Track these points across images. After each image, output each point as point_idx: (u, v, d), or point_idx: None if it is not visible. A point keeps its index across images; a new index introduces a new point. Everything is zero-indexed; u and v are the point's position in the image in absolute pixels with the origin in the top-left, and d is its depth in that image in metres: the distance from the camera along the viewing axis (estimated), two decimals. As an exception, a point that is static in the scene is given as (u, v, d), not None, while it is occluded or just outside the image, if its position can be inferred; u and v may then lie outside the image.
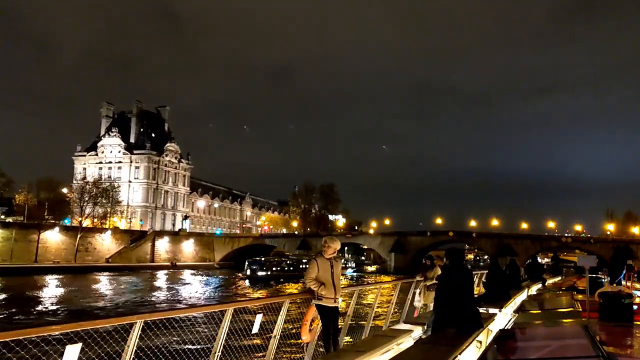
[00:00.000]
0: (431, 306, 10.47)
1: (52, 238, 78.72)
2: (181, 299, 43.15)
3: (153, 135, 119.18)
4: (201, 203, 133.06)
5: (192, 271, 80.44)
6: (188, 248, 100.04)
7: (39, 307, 35.19)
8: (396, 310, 11.89)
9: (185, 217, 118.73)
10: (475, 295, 11.41)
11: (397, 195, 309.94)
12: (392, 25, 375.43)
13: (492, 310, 10.80)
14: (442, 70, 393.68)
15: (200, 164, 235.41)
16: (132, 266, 79.85)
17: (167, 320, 5.89)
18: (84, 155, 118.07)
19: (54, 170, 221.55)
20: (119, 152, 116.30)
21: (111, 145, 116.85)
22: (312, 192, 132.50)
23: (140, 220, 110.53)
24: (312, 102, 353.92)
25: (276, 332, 6.91)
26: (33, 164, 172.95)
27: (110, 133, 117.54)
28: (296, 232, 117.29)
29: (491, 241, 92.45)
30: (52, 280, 56.17)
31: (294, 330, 7.98)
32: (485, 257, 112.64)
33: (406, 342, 8.70)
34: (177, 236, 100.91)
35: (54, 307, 35.25)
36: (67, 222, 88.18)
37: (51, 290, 46.89)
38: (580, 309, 9.84)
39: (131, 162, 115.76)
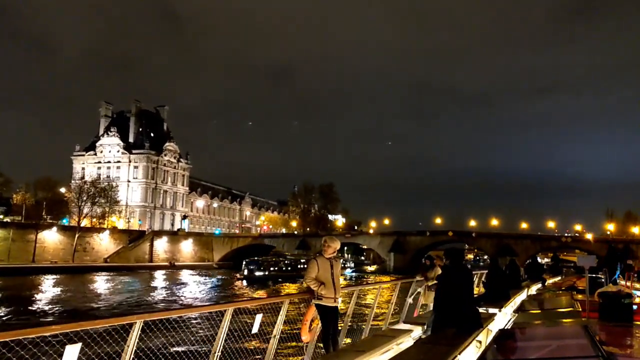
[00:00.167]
0: (431, 306, 10.47)
1: (50, 238, 78.52)
2: (177, 299, 43.01)
3: (152, 135, 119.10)
4: (200, 203, 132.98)
5: (191, 271, 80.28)
6: (187, 248, 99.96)
7: (35, 308, 35.07)
8: (396, 310, 11.88)
9: (184, 217, 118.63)
10: (475, 295, 11.41)
11: (397, 195, 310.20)
12: (392, 25, 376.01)
13: (491, 310, 10.80)
14: (442, 70, 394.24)
15: (200, 164, 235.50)
16: (130, 266, 79.68)
17: (167, 320, 5.88)
18: (83, 155, 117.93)
19: (53, 170, 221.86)
20: (118, 151, 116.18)
21: (110, 145, 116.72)
22: (311, 192, 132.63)
23: (139, 220, 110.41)
24: (312, 102, 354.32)
25: (276, 332, 6.90)
26: (32, 163, 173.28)
27: (109, 133, 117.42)
28: (295, 232, 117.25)
29: (491, 241, 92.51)
30: (49, 281, 56.03)
31: (293, 331, 7.97)
32: (485, 257, 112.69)
33: (406, 342, 8.70)
34: (175, 236, 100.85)
35: (49, 308, 35.09)
36: (65, 222, 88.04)
37: (48, 291, 46.71)
38: (580, 309, 9.85)
39: (130, 161, 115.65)
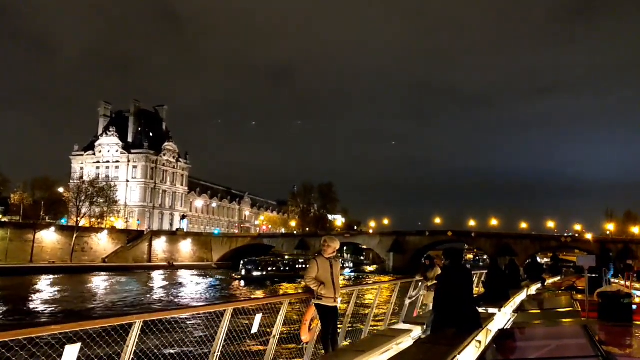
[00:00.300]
0: (431, 306, 10.47)
1: (48, 238, 78.39)
2: (173, 300, 42.72)
3: (151, 134, 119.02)
4: (199, 203, 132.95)
5: (189, 271, 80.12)
6: (185, 248, 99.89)
7: (32, 308, 34.97)
8: (396, 310, 11.89)
9: (183, 217, 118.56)
10: (475, 295, 11.41)
11: (396, 195, 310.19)
12: (392, 25, 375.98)
13: (491, 310, 10.81)
14: (442, 70, 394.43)
15: (199, 163, 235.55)
16: (128, 266, 79.59)
17: (166, 320, 5.88)
18: (82, 155, 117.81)
19: (52, 170, 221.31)
20: (117, 151, 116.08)
21: (109, 144, 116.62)
22: (310, 191, 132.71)
23: (138, 220, 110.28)
24: (312, 102, 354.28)
25: (275, 332, 6.90)
26: (31, 163, 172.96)
27: (108, 132, 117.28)
28: (295, 232, 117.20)
29: (490, 241, 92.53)
30: (46, 281, 55.90)
31: (293, 331, 7.97)
32: (485, 257, 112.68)
33: (405, 342, 8.70)
34: (174, 236, 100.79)
35: (46, 308, 34.99)
36: (64, 222, 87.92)
37: (45, 291, 46.59)
38: (580, 309, 9.85)
39: (129, 161, 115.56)
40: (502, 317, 10.86)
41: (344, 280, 68.62)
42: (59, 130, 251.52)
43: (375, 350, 7.60)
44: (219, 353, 5.89)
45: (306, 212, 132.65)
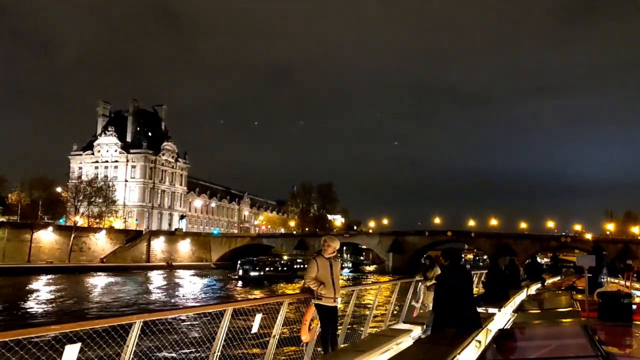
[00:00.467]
0: (430, 306, 10.47)
1: (46, 238, 78.08)
2: (167, 301, 42.38)
3: (150, 134, 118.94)
4: (198, 203, 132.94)
5: (188, 271, 79.89)
6: (184, 248, 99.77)
7: (27, 308, 34.71)
8: (396, 310, 11.89)
9: (182, 217, 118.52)
10: (475, 295, 11.41)
11: (396, 195, 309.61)
12: (392, 25, 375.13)
13: (491, 310, 10.80)
14: (442, 70, 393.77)
15: (199, 163, 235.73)
16: (126, 266, 79.25)
17: (166, 320, 5.88)
18: (80, 155, 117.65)
19: (51, 169, 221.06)
20: (115, 151, 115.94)
21: (107, 144, 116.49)
22: (310, 191, 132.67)
23: (136, 220, 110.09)
24: (312, 102, 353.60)
25: (275, 332, 6.90)
26: (30, 163, 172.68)
27: (107, 132, 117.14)
28: (294, 232, 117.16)
29: (490, 241, 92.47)
30: (43, 281, 55.67)
31: (293, 331, 7.97)
32: (485, 257, 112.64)
33: (405, 342, 8.70)
34: (173, 236, 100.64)
35: (41, 308, 34.83)
36: (62, 221, 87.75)
37: (41, 291, 46.36)
38: (580, 309, 9.86)
39: (127, 161, 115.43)
40: (502, 317, 10.86)
41: (342, 280, 68.38)
42: (58, 130, 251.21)
43: (375, 350, 7.60)
44: (219, 353, 5.89)
45: (306, 212, 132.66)
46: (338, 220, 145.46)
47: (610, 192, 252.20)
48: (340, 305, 8.17)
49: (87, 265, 77.57)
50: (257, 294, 47.66)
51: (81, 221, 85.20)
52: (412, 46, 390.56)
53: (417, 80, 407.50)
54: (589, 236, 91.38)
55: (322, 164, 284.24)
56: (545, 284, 24.28)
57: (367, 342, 8.32)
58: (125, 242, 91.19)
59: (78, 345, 4.14)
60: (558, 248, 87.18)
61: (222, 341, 5.92)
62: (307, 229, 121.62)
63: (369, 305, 11.28)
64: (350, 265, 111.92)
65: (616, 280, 16.19)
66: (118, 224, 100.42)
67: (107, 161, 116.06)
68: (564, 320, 9.16)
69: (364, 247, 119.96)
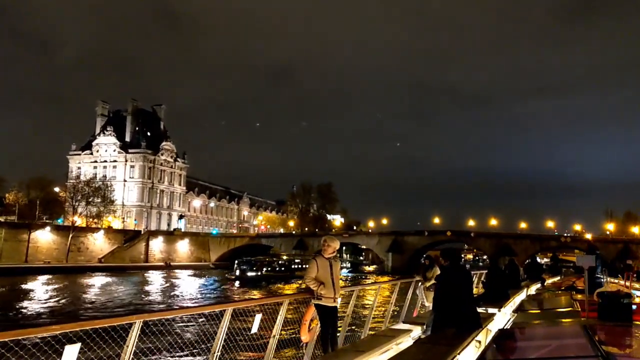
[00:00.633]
0: (430, 306, 10.47)
1: (43, 238, 77.83)
2: (161, 301, 42.17)
3: (148, 134, 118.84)
4: (197, 202, 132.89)
5: (186, 271, 79.64)
6: (183, 248, 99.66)
7: (22, 309, 34.40)
8: (396, 310, 11.89)
9: (181, 217, 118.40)
10: (475, 295, 11.41)
11: (396, 195, 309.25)
12: (392, 25, 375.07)
13: (491, 310, 10.80)
14: (442, 70, 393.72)
15: (199, 163, 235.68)
16: (123, 266, 79.02)
17: (166, 320, 5.87)
18: (79, 154, 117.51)
19: (50, 169, 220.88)
20: (114, 151, 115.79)
21: (106, 144, 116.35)
22: (309, 191, 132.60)
23: (135, 219, 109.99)
24: (312, 102, 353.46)
25: (275, 332, 6.89)
26: (30, 163, 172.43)
27: (106, 132, 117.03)
28: (293, 232, 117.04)
29: (490, 241, 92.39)
30: (41, 281, 55.44)
31: (293, 331, 7.97)
32: (485, 257, 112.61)
33: (405, 342, 8.70)
34: (171, 236, 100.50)
35: (37, 309, 34.66)
36: (60, 221, 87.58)
37: (37, 292, 46.22)
38: (579, 309, 9.86)
39: (126, 161, 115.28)
40: (502, 317, 10.86)
41: (341, 281, 68.16)
42: (58, 130, 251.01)
43: (375, 350, 7.60)
44: (219, 353, 5.89)
45: (305, 212, 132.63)
46: (337, 220, 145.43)
47: (610, 192, 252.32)
48: (340, 306, 8.16)
49: (85, 265, 77.30)
50: (255, 294, 47.39)
51: (79, 221, 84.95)
52: (412, 46, 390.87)
53: (417, 80, 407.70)
54: (588, 236, 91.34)
55: (322, 164, 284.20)
56: (545, 284, 24.27)
57: (367, 342, 8.32)
58: (124, 242, 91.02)
59: (78, 345, 4.14)
60: (558, 248, 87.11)
61: (222, 341, 5.92)
62: (306, 229, 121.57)
63: (368, 306, 11.27)
64: (349, 265, 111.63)
65: (616, 280, 16.20)
66: (117, 224, 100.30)
67: (105, 161, 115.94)
68: (563, 320, 9.16)
69: (364, 247, 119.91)
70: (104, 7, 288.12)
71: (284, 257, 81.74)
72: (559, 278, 31.92)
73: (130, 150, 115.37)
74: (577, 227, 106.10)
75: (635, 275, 19.59)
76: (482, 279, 17.48)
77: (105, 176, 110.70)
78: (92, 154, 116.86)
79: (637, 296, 10.27)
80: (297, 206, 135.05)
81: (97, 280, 59.91)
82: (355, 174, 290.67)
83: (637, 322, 7.24)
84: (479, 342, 7.57)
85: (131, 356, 4.75)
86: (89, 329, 4.59)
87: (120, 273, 69.44)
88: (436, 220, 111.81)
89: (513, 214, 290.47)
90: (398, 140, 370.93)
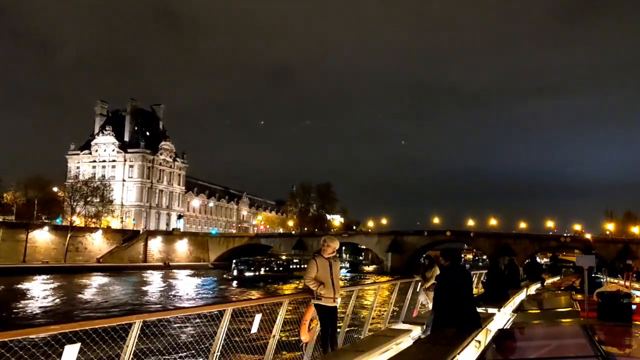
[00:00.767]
0: (430, 306, 10.47)
1: (41, 237, 77.62)
2: (154, 302, 41.93)
3: (147, 133, 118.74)
4: (196, 202, 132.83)
5: (185, 271, 79.39)
6: (182, 248, 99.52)
7: (18, 309, 34.23)
8: (396, 310, 11.88)
9: (180, 217, 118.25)
10: (475, 295, 11.41)
11: (396, 195, 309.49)
12: (392, 25, 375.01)
13: (491, 310, 10.80)
14: (441, 70, 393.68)
15: (199, 163, 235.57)
16: (122, 266, 78.87)
17: (166, 320, 5.87)
18: (78, 154, 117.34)
19: (50, 169, 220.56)
20: (113, 150, 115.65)
21: (105, 143, 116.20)
22: (309, 191, 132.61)
23: (134, 219, 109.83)
24: (312, 102, 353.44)
25: (275, 332, 6.89)
26: (30, 163, 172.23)
27: (104, 131, 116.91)
28: (292, 232, 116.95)
29: (489, 241, 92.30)
30: (38, 281, 55.24)
31: (293, 331, 7.97)
32: (484, 257, 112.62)
33: (405, 342, 8.70)
34: (170, 236, 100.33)
35: (34, 309, 34.54)
36: (59, 221, 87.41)
37: (34, 292, 46.04)
38: (579, 309, 9.86)
39: (125, 160, 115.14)
40: (502, 317, 10.87)
41: (341, 281, 67.89)
42: (58, 129, 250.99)
43: (375, 350, 7.60)
44: (219, 353, 5.88)
45: (304, 212, 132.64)
46: (337, 220, 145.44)
47: (610, 192, 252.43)
48: (340, 306, 8.16)
49: (83, 265, 77.15)
50: (252, 294, 47.11)
51: (78, 221, 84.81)
52: (412, 46, 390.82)
53: (417, 80, 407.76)
54: (588, 236, 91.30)
55: (322, 164, 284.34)
56: (545, 284, 24.29)
57: (367, 342, 8.31)
58: (122, 242, 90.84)
59: (78, 345, 4.13)
60: (557, 248, 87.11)
61: (222, 341, 5.92)
62: (306, 228, 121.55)
63: (368, 306, 11.27)
64: (347, 265, 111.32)
65: (616, 280, 16.21)
66: (115, 224, 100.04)
67: (104, 161, 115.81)
68: (563, 320, 9.16)
69: (363, 247, 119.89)
70: (104, 7, 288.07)
71: (283, 257, 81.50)
72: (558, 278, 31.99)
73: (129, 150, 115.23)
74: (577, 227, 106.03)
75: (635, 275, 19.60)
76: (482, 279, 17.49)
77: (104, 176, 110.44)
78: (90, 153, 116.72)
79: (637, 296, 10.29)
80: (296, 206, 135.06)
81: (95, 280, 59.74)
82: (355, 174, 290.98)
83: (637, 322, 7.25)
84: (479, 342, 7.58)
85: (131, 356, 4.75)
86: (88, 329, 4.59)
87: (119, 273, 69.22)
88: (436, 220, 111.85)
89: (513, 214, 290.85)
90: (397, 140, 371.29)
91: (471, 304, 8.39)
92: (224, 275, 68.06)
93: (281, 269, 72.05)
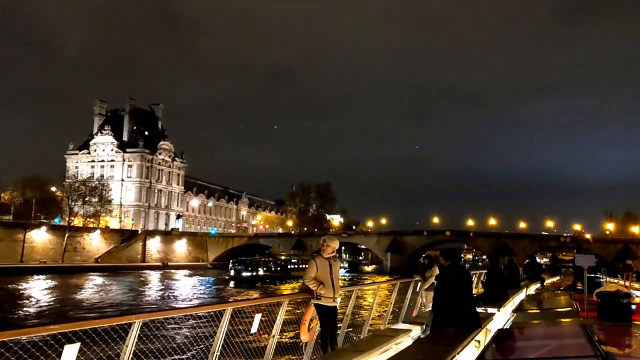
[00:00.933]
0: (429, 306, 10.47)
1: (39, 237, 77.38)
2: (147, 302, 41.56)
3: (146, 133, 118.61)
4: (196, 202, 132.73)
5: (183, 271, 79.13)
6: (180, 248, 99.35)
7: (15, 309, 33.83)
8: (395, 309, 11.88)
9: (179, 217, 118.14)
10: (474, 295, 11.42)
11: (395, 195, 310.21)
12: (392, 25, 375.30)
13: (490, 310, 10.81)
14: (442, 70, 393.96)
15: (199, 163, 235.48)
16: (120, 266, 78.59)
17: (166, 320, 5.86)
18: (76, 154, 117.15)
19: (50, 169, 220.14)
20: (112, 150, 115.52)
21: (104, 143, 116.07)
22: (308, 191, 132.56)
23: (132, 219, 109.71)
24: (312, 102, 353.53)
25: (275, 331, 6.89)
26: (29, 163, 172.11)
27: (103, 131, 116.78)
28: (292, 232, 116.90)
29: (489, 241, 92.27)
30: (35, 281, 55.06)
31: (293, 330, 7.96)
32: (484, 257, 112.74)
33: (405, 342, 8.70)
34: (169, 236, 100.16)
35: (31, 309, 34.37)
36: (57, 221, 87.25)
37: (31, 292, 45.79)
38: (579, 309, 9.86)
39: (124, 160, 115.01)
40: (502, 317, 10.87)
41: (341, 281, 67.73)
42: (58, 129, 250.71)
43: (375, 350, 7.60)
44: (219, 353, 5.88)
45: (304, 211, 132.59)
46: (336, 220, 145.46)
47: (610, 192, 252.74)
48: (340, 307, 8.16)
49: (81, 265, 76.74)
50: (249, 294, 46.86)
51: (76, 221, 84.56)
52: (412, 46, 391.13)
53: (417, 80, 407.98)
54: (588, 236, 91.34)
55: (321, 164, 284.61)
56: (545, 283, 24.30)
57: (367, 342, 8.31)
58: (121, 242, 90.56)
59: (77, 345, 4.13)
60: (557, 248, 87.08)
61: (222, 341, 5.91)
62: (305, 228, 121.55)
63: (368, 306, 11.27)
64: (347, 265, 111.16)
65: (615, 280, 16.21)
66: (114, 224, 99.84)
67: (103, 160, 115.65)
68: (563, 320, 9.16)
69: (363, 247, 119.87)
70: (104, 7, 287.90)
71: (281, 257, 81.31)
72: (558, 278, 32.00)
73: (127, 150, 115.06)
74: (577, 227, 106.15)
75: (634, 275, 19.59)
76: (482, 279, 17.50)
77: (102, 176, 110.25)
78: (89, 153, 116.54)
79: (637, 296, 10.29)
80: (296, 206, 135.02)
81: (93, 281, 59.55)
82: (355, 174, 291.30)
83: (637, 322, 7.24)
84: (479, 342, 7.58)
85: (130, 356, 4.74)
86: (88, 329, 4.58)
87: (116, 273, 68.97)
88: (435, 220, 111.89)
89: (512, 213, 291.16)
90: (399, 140, 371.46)
91: (471, 303, 8.40)
92: (221, 276, 67.82)
93: (279, 269, 71.80)
